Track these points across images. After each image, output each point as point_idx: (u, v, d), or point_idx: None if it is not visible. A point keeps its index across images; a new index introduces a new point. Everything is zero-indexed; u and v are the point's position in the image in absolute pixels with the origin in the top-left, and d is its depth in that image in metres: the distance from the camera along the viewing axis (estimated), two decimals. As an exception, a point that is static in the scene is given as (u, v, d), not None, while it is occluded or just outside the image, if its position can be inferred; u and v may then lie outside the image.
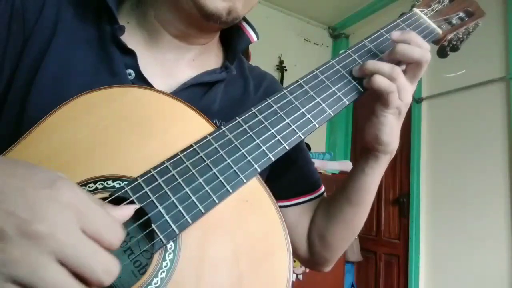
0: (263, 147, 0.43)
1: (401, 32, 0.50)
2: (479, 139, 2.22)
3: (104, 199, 0.36)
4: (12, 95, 0.46)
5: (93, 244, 0.28)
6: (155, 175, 0.39)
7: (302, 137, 0.45)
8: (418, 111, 2.63)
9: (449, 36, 0.58)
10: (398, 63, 0.49)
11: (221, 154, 0.41)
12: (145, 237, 0.38)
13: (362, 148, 0.55)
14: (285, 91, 0.47)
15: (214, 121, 0.50)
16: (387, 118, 0.49)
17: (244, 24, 0.59)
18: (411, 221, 2.55)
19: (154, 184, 0.38)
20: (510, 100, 2.10)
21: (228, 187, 0.40)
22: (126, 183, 0.38)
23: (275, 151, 0.43)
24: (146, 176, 0.38)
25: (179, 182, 0.39)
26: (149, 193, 0.37)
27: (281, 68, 3.13)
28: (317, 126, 0.46)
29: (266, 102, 0.46)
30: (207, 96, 0.54)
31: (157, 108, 0.43)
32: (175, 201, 0.38)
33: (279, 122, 0.45)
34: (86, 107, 0.41)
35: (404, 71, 0.49)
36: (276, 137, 0.44)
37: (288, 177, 0.64)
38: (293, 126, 0.45)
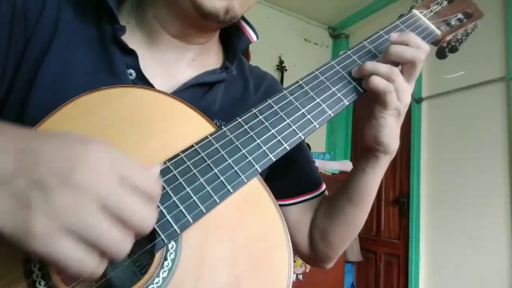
0: (264, 148, 0.43)
1: (400, 34, 0.50)
2: (479, 139, 2.22)
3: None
4: (13, 95, 0.46)
5: (132, 192, 0.29)
6: (156, 175, 0.39)
7: (303, 138, 0.45)
8: (418, 111, 2.63)
9: (448, 37, 0.58)
10: (396, 64, 0.49)
11: (222, 154, 0.42)
12: (146, 237, 0.38)
13: (363, 148, 0.55)
14: (285, 91, 0.48)
15: (215, 121, 0.50)
16: (386, 120, 0.49)
17: (244, 24, 0.59)
18: (411, 221, 2.55)
19: (155, 184, 0.38)
20: (510, 100, 2.10)
21: (229, 187, 0.40)
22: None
23: (276, 151, 0.43)
24: (147, 176, 0.38)
25: (180, 182, 0.39)
26: (150, 193, 0.38)
27: (281, 68, 3.13)
28: (317, 126, 0.46)
29: (267, 103, 0.46)
30: (208, 96, 0.54)
31: (157, 108, 0.43)
32: (176, 201, 0.38)
33: (280, 123, 0.45)
34: (86, 108, 0.41)
35: (401, 72, 0.50)
36: (276, 137, 0.44)
37: (289, 175, 0.64)
38: (294, 127, 0.45)
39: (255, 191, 0.42)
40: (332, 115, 0.48)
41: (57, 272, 0.34)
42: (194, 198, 0.39)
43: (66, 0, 0.51)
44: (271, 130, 0.44)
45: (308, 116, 0.46)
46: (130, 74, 0.49)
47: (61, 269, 0.27)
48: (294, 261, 0.46)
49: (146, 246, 0.38)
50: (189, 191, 0.39)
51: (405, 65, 0.50)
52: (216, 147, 0.42)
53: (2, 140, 0.29)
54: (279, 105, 0.46)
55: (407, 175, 2.64)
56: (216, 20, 0.49)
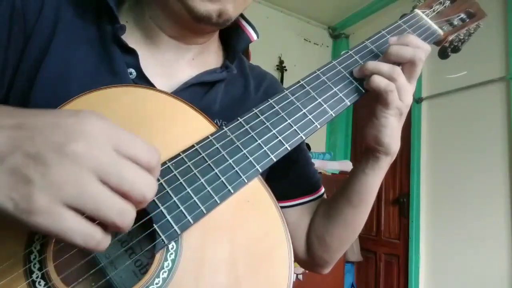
0: (265, 148, 0.43)
1: (399, 37, 0.50)
2: (479, 139, 2.22)
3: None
4: (13, 95, 0.46)
5: (129, 162, 0.29)
6: (157, 175, 0.38)
7: (304, 138, 0.45)
8: (418, 111, 2.63)
9: (450, 37, 0.58)
10: (397, 65, 0.49)
11: (223, 154, 0.41)
12: (146, 237, 0.37)
13: (363, 149, 0.55)
14: (286, 91, 0.47)
15: (215, 121, 0.50)
16: (388, 120, 0.49)
17: (244, 23, 0.59)
18: (411, 221, 2.55)
19: (155, 184, 0.38)
20: (510, 100, 2.10)
21: (229, 187, 0.40)
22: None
23: (277, 152, 0.43)
24: (147, 177, 0.38)
25: (180, 182, 0.39)
26: (150, 193, 0.37)
27: (281, 68, 3.13)
28: (318, 127, 0.46)
29: (268, 103, 0.46)
30: (208, 95, 0.54)
31: (157, 107, 0.43)
32: (176, 201, 0.38)
33: (281, 123, 0.45)
34: (86, 107, 0.40)
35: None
36: (277, 137, 0.44)
37: (289, 177, 0.64)
38: (295, 127, 0.45)
39: (255, 192, 0.42)
40: (333, 115, 0.47)
41: (53, 259, 0.33)
42: (195, 198, 0.38)
43: (66, 0, 0.51)
44: (272, 130, 0.44)
45: (310, 116, 0.46)
46: (131, 73, 0.49)
47: (66, 242, 0.27)
48: (294, 261, 0.46)
49: (147, 246, 0.38)
50: (190, 191, 0.39)
51: (406, 65, 0.50)
52: (217, 147, 0.42)
53: None
54: (280, 105, 0.46)
55: (407, 175, 2.64)
56: (209, 23, 0.49)
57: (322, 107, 0.47)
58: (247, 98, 0.60)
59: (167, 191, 0.38)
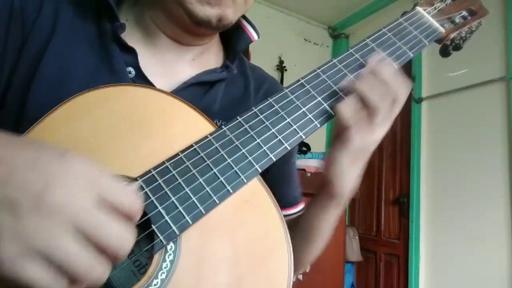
0: (264, 147, 0.43)
1: (375, 64, 0.45)
2: (479, 139, 2.22)
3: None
4: (11, 95, 0.46)
5: (109, 212, 0.28)
6: (155, 175, 0.38)
7: (303, 137, 0.45)
8: (418, 111, 2.62)
9: (452, 35, 0.58)
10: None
11: (222, 154, 0.41)
12: (145, 238, 0.37)
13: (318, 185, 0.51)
14: (286, 90, 0.47)
15: (215, 121, 0.50)
16: (341, 154, 0.45)
17: (245, 23, 0.59)
18: (411, 221, 2.55)
19: (154, 185, 0.38)
20: (510, 100, 2.09)
21: (228, 187, 0.40)
22: (125, 183, 0.37)
23: (276, 151, 0.43)
24: (146, 177, 0.38)
25: (179, 182, 0.38)
26: (149, 193, 0.37)
27: (281, 68, 3.12)
28: (318, 126, 0.46)
29: (267, 102, 0.46)
30: (208, 95, 0.54)
31: (157, 107, 0.43)
32: (175, 201, 0.37)
33: (280, 122, 0.45)
34: (84, 107, 0.40)
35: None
36: (277, 137, 0.44)
37: (272, 188, 0.62)
38: (294, 126, 0.45)
39: (255, 192, 0.42)
40: (333, 114, 0.47)
41: None
42: (194, 198, 0.38)
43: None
44: (271, 130, 0.44)
45: (309, 115, 0.46)
46: (130, 72, 0.49)
47: None
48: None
49: (145, 246, 0.37)
50: (188, 191, 0.38)
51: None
52: (216, 146, 0.41)
53: None
54: (279, 104, 0.46)
55: (407, 175, 2.64)
56: (210, 27, 0.49)
57: (322, 106, 0.47)
58: (248, 98, 0.59)
59: (166, 191, 0.38)
